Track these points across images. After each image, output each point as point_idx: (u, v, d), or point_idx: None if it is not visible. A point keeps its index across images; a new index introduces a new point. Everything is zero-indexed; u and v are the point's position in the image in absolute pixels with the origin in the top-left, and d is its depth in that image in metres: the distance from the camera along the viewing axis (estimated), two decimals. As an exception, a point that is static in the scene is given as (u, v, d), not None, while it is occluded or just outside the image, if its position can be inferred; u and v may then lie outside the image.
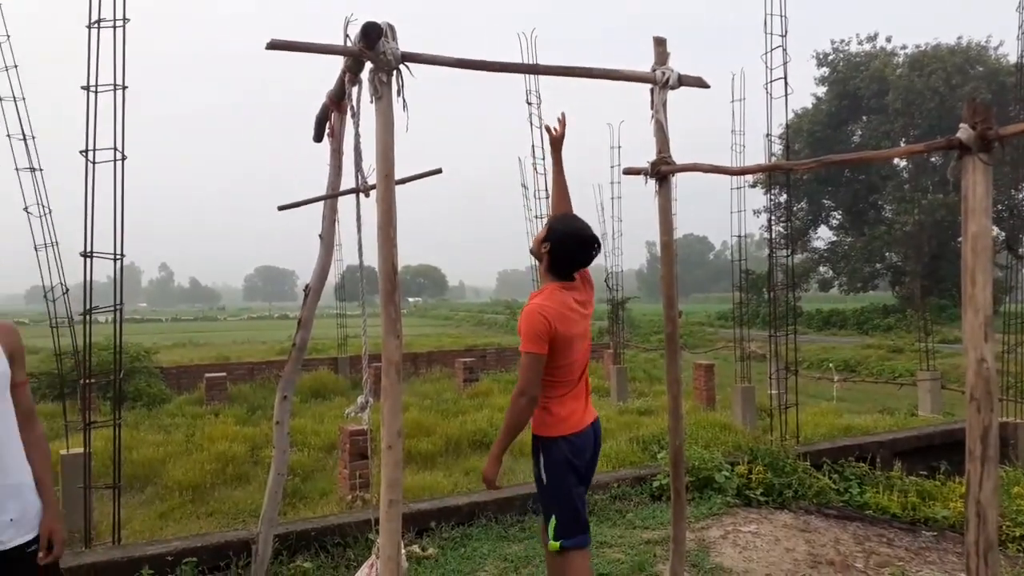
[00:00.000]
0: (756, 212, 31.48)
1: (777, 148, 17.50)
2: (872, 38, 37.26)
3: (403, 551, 3.33)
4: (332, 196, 3.96)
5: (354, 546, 4.38)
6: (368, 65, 2.91)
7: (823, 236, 41.53)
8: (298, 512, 6.58)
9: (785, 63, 6.56)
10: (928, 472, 6.45)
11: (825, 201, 39.30)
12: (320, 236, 4.17)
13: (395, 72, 2.91)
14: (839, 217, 40.43)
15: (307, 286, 4.20)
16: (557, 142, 3.67)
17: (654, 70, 3.39)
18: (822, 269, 42.16)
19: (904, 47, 36.12)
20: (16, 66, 6.52)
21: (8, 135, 6.44)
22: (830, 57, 37.85)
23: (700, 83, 3.53)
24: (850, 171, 36.51)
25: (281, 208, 3.84)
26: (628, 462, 7.52)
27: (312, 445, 8.93)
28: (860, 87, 35.55)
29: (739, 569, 4.12)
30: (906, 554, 4.47)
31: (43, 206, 6.33)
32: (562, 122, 3.67)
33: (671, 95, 3.51)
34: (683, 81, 3.42)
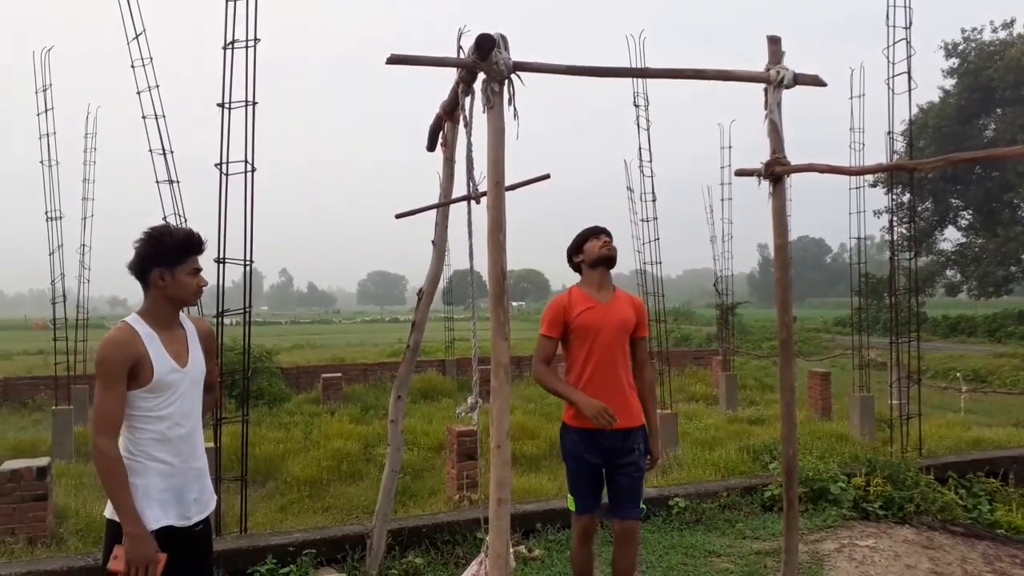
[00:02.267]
0: (876, 213, 29.90)
1: (900, 146, 16.54)
2: (1008, 24, 34.70)
3: (511, 550, 3.40)
4: (445, 204, 4.09)
5: (462, 544, 4.49)
6: (481, 76, 3.01)
7: (950, 238, 39.00)
8: (408, 510, 6.78)
9: (909, 56, 6.25)
10: (1070, 491, 5.98)
11: (953, 200, 36.92)
12: (433, 242, 4.32)
13: (507, 81, 2.99)
14: (968, 217, 37.84)
15: (420, 290, 4.36)
16: None
17: (768, 69, 3.33)
18: (949, 272, 39.57)
19: (1046, 32, 33.51)
20: (158, 86, 7.08)
21: (150, 150, 6.99)
22: (960, 47, 35.51)
23: (816, 81, 3.44)
24: (981, 168, 34.16)
25: (398, 216, 4.00)
26: (738, 471, 7.33)
27: (421, 445, 9.17)
28: (994, 78, 33.16)
29: (857, 585, 3.97)
30: (1044, 578, 4.17)
31: (180, 215, 6.83)
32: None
33: (787, 93, 3.44)
34: (798, 80, 3.35)
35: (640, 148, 9.60)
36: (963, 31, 35.68)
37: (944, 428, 10.13)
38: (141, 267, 2.46)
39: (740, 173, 3.70)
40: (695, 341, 29.31)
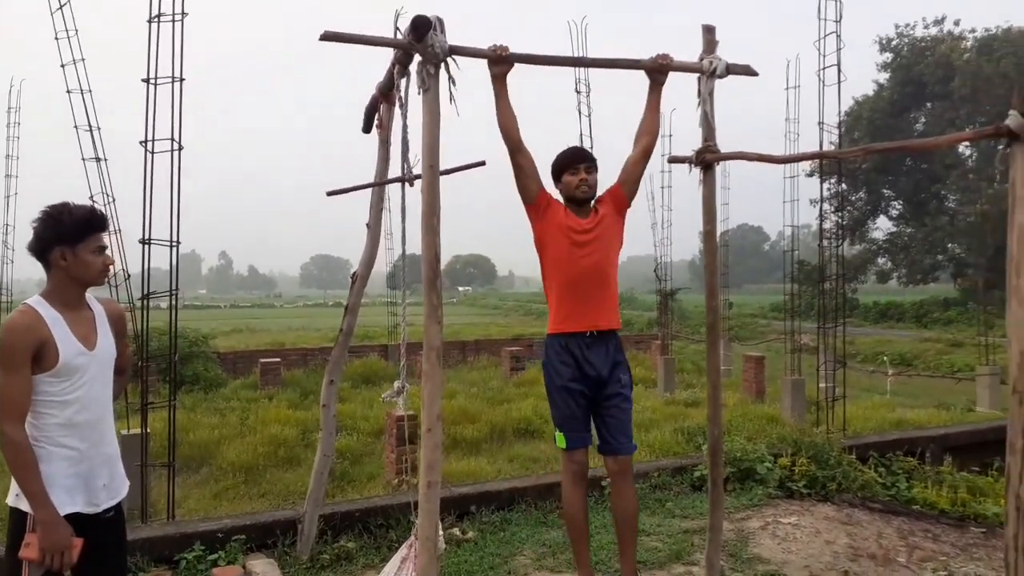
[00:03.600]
0: (812, 202, 30.76)
1: (834, 137, 17.03)
2: (939, 21, 35.94)
3: (441, 533, 3.42)
4: (379, 184, 4.05)
5: (396, 528, 4.49)
6: (417, 58, 2.98)
7: (882, 227, 40.41)
8: (346, 494, 6.75)
9: (839, 49, 6.42)
10: (981, 468, 6.29)
11: (885, 191, 38.21)
12: (367, 225, 4.28)
13: (443, 64, 2.98)
14: (899, 207, 39.25)
15: (354, 273, 4.32)
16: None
17: (702, 59, 3.38)
18: (880, 260, 41.02)
19: (973, 31, 34.73)
20: (84, 59, 6.80)
21: (75, 126, 6.72)
22: (893, 42, 36.63)
23: (748, 71, 3.50)
24: (911, 160, 35.40)
25: (330, 194, 3.95)
26: (671, 452, 7.51)
27: (361, 430, 9.12)
28: (925, 73, 34.33)
29: (777, 560, 4.10)
30: (952, 550, 4.39)
31: (107, 195, 6.60)
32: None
33: (729, 83, 3.48)
34: (731, 70, 3.40)
35: (581, 135, 9.67)
36: (896, 27, 36.88)
37: (870, 410, 10.53)
38: (40, 248, 2.35)
39: (673, 160, 3.75)
40: (636, 326, 29.78)
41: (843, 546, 4.34)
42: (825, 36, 6.33)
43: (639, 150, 3.61)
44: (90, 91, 6.79)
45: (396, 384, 3.54)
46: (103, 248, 2.42)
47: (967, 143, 29.68)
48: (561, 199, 3.60)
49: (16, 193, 10.58)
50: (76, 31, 6.80)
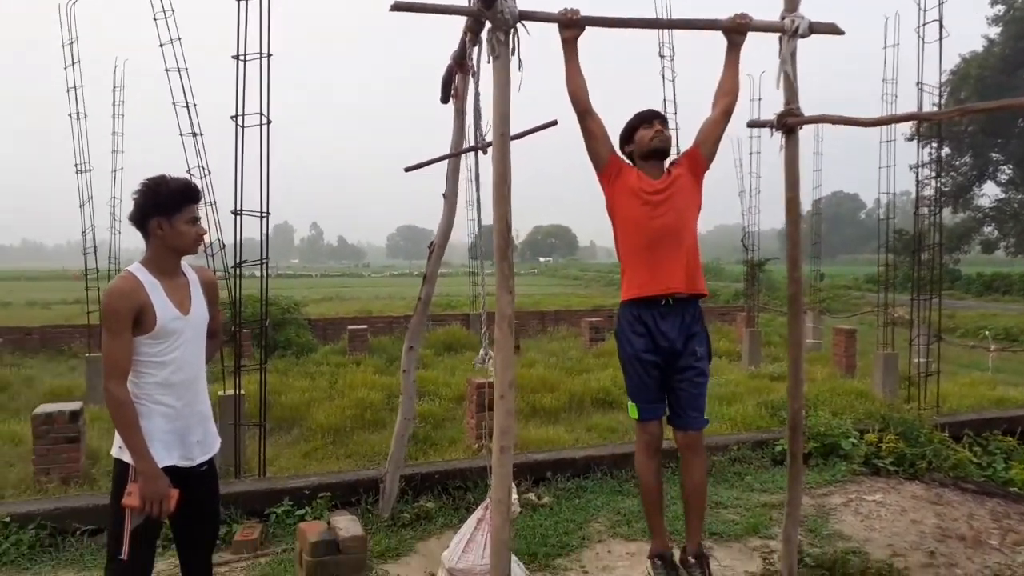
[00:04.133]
0: (912, 167, 29.17)
1: (935, 98, 16.07)
2: (1058, -31, 33.25)
3: (516, 497, 3.48)
4: (453, 155, 4.10)
5: (474, 490, 4.61)
6: (487, 25, 2.99)
7: (989, 193, 38.00)
8: (428, 457, 6.93)
9: (941, 3, 6.03)
10: (1090, 451, 5.93)
11: (993, 154, 35.90)
12: (444, 195, 4.35)
13: (512, 31, 2.97)
14: (1009, 172, 36.78)
15: (431, 243, 4.40)
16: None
17: (783, 17, 3.25)
18: (987, 229, 38.68)
19: (1098, -21, 32.02)
20: (180, 38, 7.10)
21: (173, 103, 7.04)
22: (1008, -7, 34.13)
23: (834, 30, 3.35)
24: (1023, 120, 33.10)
25: (408, 169, 4.02)
26: (754, 426, 7.37)
27: (443, 395, 9.32)
28: (1042, 26, 31.93)
29: (859, 537, 4.00)
30: (1051, 535, 4.18)
31: (203, 168, 6.91)
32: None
33: (820, 43, 3.34)
34: (814, 28, 3.26)
35: (665, 100, 9.46)
36: (1012, -24, 34.20)
37: (968, 387, 10.03)
38: (140, 217, 2.51)
39: (752, 124, 3.65)
40: (722, 298, 29.13)
41: (931, 526, 4.19)
42: (926, -11, 5.97)
43: (718, 111, 3.51)
44: (186, 69, 7.10)
45: (481, 351, 3.63)
46: (197, 219, 2.57)
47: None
48: (632, 164, 3.54)
49: (121, 168, 11.16)
50: (173, 11, 7.11)
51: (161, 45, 7.07)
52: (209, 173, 7.06)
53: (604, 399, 9.26)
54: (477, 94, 3.47)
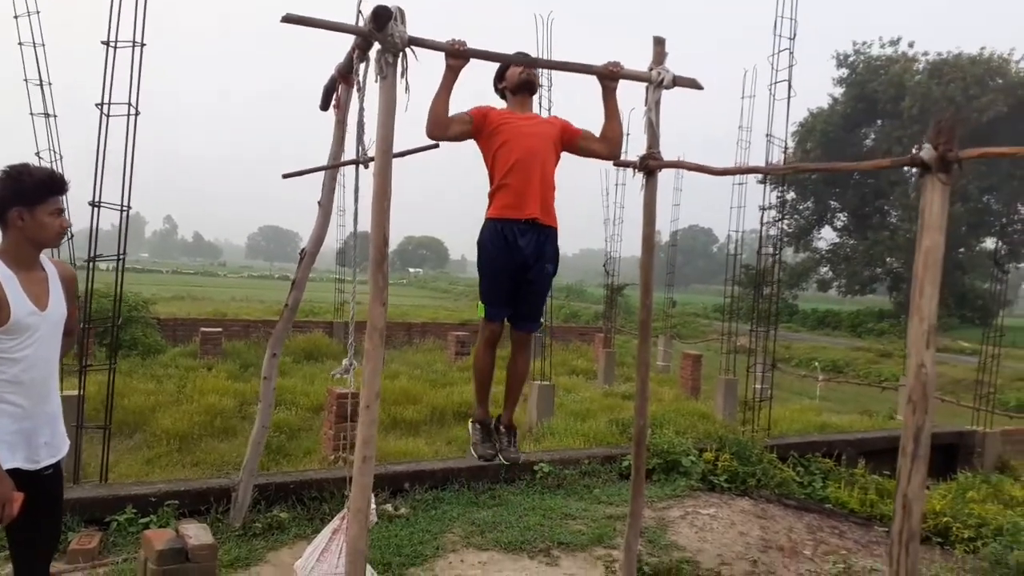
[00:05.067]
0: (762, 208, 31.41)
1: (782, 149, 17.53)
2: (895, 42, 37.04)
3: (374, 507, 3.53)
4: (334, 167, 4.12)
5: (330, 501, 4.59)
6: (376, 45, 3.07)
7: (827, 237, 41.66)
8: (280, 467, 6.80)
9: (791, 66, 6.66)
10: (892, 472, 6.67)
11: (832, 202, 39.32)
12: (319, 203, 4.34)
13: (401, 54, 3.06)
14: (844, 219, 40.51)
15: (303, 250, 4.38)
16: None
17: (651, 69, 3.53)
18: (823, 270, 42.30)
19: (926, 54, 35.92)
20: (39, 11, 6.65)
21: (26, 79, 6.58)
22: (850, 59, 37.62)
23: (694, 84, 3.67)
24: (859, 174, 36.47)
25: (286, 176, 4.00)
26: (604, 442, 7.73)
27: (300, 405, 9.15)
28: (877, 91, 35.39)
29: (692, 548, 4.34)
30: (855, 546, 4.69)
31: (54, 151, 6.49)
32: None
33: (690, 91, 3.63)
34: (677, 81, 3.56)
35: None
36: (854, 44, 37.85)
37: (798, 412, 10.96)
38: (1, 206, 2.39)
39: (618, 164, 3.91)
40: (583, 318, 30.14)
41: (755, 538, 4.60)
42: (778, 52, 6.58)
43: (603, 146, 3.76)
44: (43, 45, 6.66)
45: (344, 361, 3.64)
46: (60, 211, 2.47)
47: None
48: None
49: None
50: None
51: (16, 16, 6.60)
52: (61, 158, 6.66)
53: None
54: (361, 109, 3.53)
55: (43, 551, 2.60)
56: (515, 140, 3.59)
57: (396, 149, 3.19)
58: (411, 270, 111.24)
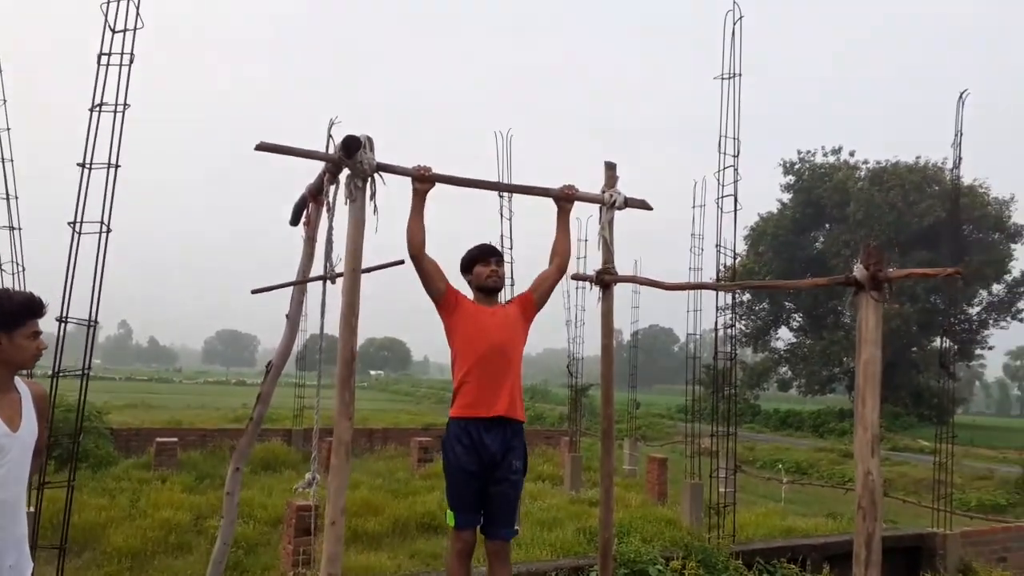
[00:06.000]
0: (721, 310, 32.08)
1: (731, 257, 18.23)
2: (836, 151, 39.19)
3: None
4: (302, 282, 4.24)
5: (291, 621, 4.46)
6: (346, 171, 3.27)
7: (784, 337, 42.53)
8: (239, 586, 6.57)
9: (736, 181, 7.09)
10: (857, 578, 6.67)
11: (787, 303, 40.41)
12: (287, 316, 4.43)
13: (369, 179, 3.27)
14: (800, 319, 41.53)
15: (269, 362, 4.42)
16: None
17: (603, 191, 3.80)
18: (781, 369, 42.95)
19: (866, 161, 38.05)
20: (9, 129, 6.83)
21: (-9, 192, 6.68)
22: (796, 166, 39.58)
23: (644, 205, 3.95)
24: (811, 274, 37.75)
25: (255, 291, 4.11)
26: (573, 552, 7.62)
27: (258, 518, 8.88)
28: (823, 196, 37.15)
29: (661, 663, 4.28)
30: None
31: (18, 264, 6.53)
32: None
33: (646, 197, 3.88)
34: (629, 203, 3.83)
35: (502, 235, 10.09)
36: (799, 152, 39.91)
37: (763, 516, 10.93)
38: None
39: (575, 277, 4.13)
40: (548, 420, 29.98)
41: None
42: (724, 168, 7.01)
43: (553, 267, 3.97)
44: (12, 160, 6.81)
45: (308, 475, 3.65)
46: (38, 333, 2.53)
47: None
48: (469, 295, 3.89)
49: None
50: (4, 100, 6.86)
51: (-13, 133, 6.77)
52: (23, 270, 6.69)
53: (429, 523, 9.21)
54: (330, 228, 3.69)
55: None
56: (481, 336, 3.70)
57: (363, 265, 3.35)
58: (372, 372, 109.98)
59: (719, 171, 7.01)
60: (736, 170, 6.94)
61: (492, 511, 3.65)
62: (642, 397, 25.91)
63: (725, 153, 7.03)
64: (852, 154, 38.99)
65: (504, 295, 4.23)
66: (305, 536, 6.62)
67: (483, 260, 3.89)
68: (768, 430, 34.96)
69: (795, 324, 41.97)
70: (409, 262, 3.76)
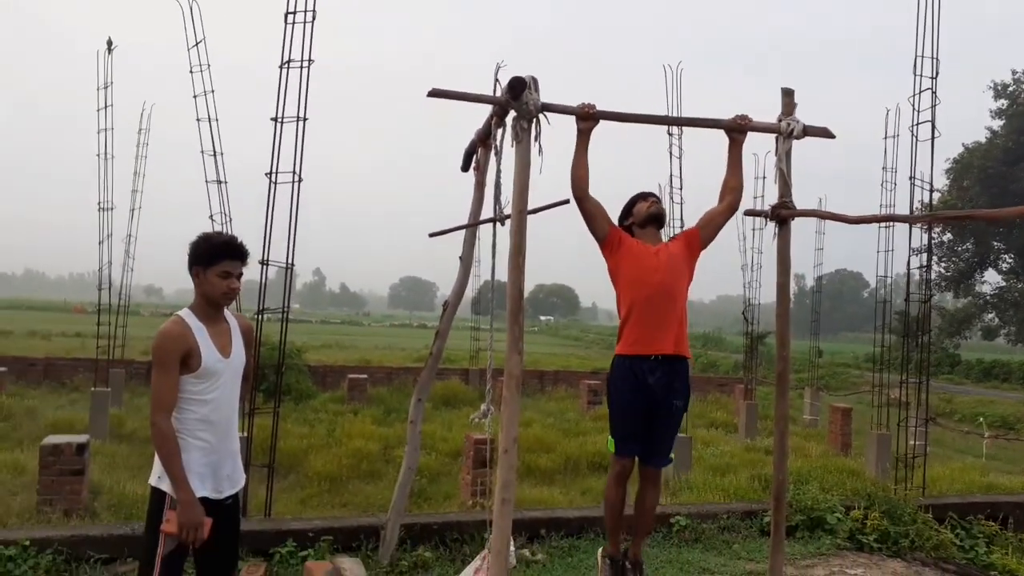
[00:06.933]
0: (915, 251, 29.56)
1: (939, 185, 16.54)
2: (1059, 68, 34.24)
3: (513, 550, 3.66)
4: (473, 225, 4.40)
5: (470, 543, 4.76)
6: (512, 112, 3.31)
7: (991, 280, 38.36)
8: (422, 510, 7.06)
9: (934, 106, 6.41)
10: (1072, 540, 6.05)
11: (995, 243, 36.34)
12: (460, 258, 4.63)
13: (535, 120, 3.29)
14: (1010, 261, 37.21)
15: (446, 301, 4.66)
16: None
17: (780, 120, 3.58)
18: (988, 316, 38.92)
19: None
20: (213, 91, 7.51)
21: (202, 151, 7.42)
22: (1010, 88, 35.06)
23: (826, 133, 3.68)
24: (1025, 212, 33.68)
25: (432, 235, 4.31)
26: (746, 498, 7.49)
27: (439, 450, 9.44)
28: (1043, 121, 32.75)
29: (839, 610, 4.15)
30: (1025, 619, 4.31)
31: (225, 215, 7.23)
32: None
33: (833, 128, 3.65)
34: (808, 131, 3.58)
35: (671, 175, 9.83)
36: (1013, 72, 35.22)
37: (960, 471, 10.11)
38: (189, 264, 2.80)
39: (749, 213, 3.95)
40: (722, 368, 29.25)
41: (909, 603, 4.34)
42: (920, 92, 6.35)
43: (724, 204, 3.84)
44: (217, 120, 7.50)
45: (483, 407, 3.85)
46: (229, 273, 2.80)
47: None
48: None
49: (140, 207, 11.52)
50: (208, 65, 7.53)
51: (195, 96, 7.48)
52: (230, 220, 7.39)
53: (600, 463, 9.37)
54: (499, 171, 3.78)
55: (223, 574, 2.91)
56: (646, 276, 3.70)
57: (529, 207, 3.41)
58: (542, 318, 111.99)
59: (914, 95, 6.37)
60: (934, 93, 6.28)
61: (651, 442, 3.79)
62: (826, 345, 24.58)
63: (921, 75, 6.36)
64: (1080, 69, 33.90)
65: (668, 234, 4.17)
66: (482, 468, 6.96)
67: (642, 198, 3.93)
68: (969, 382, 32.00)
69: (1005, 266, 37.67)
70: (573, 203, 3.79)
